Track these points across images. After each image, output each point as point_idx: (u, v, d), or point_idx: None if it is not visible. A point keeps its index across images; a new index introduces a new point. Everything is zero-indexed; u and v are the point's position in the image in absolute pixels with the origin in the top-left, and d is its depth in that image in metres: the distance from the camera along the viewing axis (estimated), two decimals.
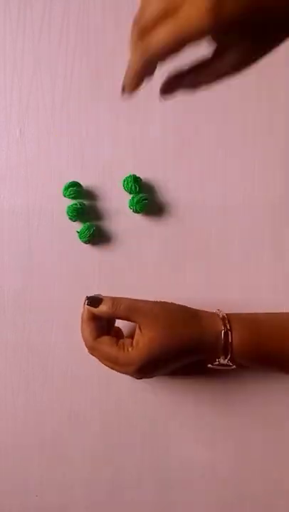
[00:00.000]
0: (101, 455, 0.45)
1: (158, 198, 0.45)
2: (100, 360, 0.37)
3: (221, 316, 0.36)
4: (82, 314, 0.37)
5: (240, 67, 0.26)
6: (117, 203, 0.45)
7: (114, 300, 0.36)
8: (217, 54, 0.26)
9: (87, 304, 0.36)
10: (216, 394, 0.43)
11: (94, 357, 0.38)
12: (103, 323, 0.38)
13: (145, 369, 0.35)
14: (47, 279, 0.45)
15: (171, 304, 0.37)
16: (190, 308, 0.37)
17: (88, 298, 0.36)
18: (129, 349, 0.35)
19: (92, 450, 0.45)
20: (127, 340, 0.36)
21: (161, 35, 0.23)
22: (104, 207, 0.45)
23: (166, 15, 0.23)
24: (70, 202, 0.44)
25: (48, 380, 0.46)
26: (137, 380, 0.41)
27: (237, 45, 0.25)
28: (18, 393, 0.46)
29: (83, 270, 0.45)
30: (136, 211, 0.43)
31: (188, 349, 0.35)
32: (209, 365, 0.36)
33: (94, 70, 0.45)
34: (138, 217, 0.45)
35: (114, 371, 0.37)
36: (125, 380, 0.43)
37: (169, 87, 0.27)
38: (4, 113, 0.46)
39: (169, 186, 0.45)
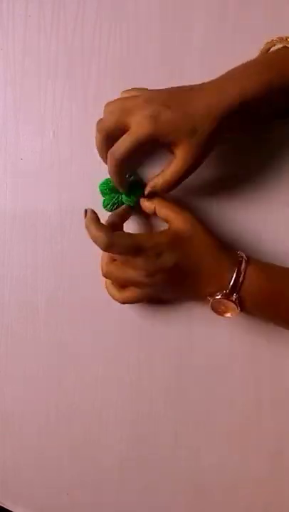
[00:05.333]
0: (132, 455, 0.45)
1: None
2: (115, 271, 0.38)
3: (239, 257, 0.35)
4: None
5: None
6: None
7: (160, 200, 0.38)
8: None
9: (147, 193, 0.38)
10: (248, 399, 0.43)
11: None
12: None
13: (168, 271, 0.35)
14: (79, 279, 0.46)
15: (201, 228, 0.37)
16: (214, 239, 0.37)
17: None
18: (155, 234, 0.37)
19: (123, 450, 0.45)
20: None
21: (120, 145, 0.33)
22: None
23: (122, 126, 0.33)
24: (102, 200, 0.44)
25: (79, 380, 0.46)
26: (169, 382, 0.41)
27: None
28: (50, 392, 0.47)
29: None
30: None
31: (201, 266, 0.35)
32: (210, 298, 0.35)
33: (127, 72, 0.45)
34: None
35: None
36: (157, 382, 0.43)
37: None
38: (38, 115, 0.47)
39: None
